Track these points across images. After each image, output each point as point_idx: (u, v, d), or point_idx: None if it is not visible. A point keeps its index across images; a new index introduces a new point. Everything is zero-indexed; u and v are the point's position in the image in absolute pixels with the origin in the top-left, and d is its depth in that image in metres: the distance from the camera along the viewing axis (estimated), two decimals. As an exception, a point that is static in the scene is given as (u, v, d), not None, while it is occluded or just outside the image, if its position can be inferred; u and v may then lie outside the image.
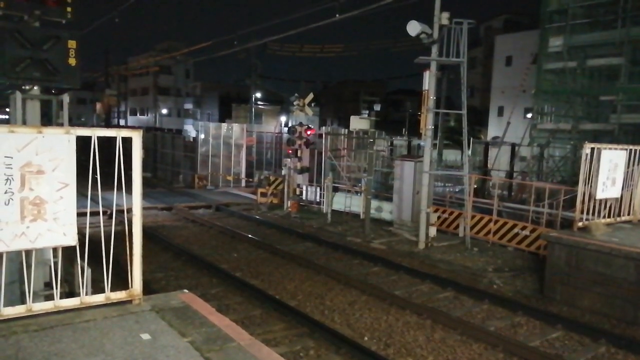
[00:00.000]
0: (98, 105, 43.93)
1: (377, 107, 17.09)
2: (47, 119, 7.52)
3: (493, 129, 37.51)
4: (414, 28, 12.11)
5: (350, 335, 7.46)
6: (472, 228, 13.43)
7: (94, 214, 4.88)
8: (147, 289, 7.77)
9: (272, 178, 19.86)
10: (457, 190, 19.20)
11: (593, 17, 17.83)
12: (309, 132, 17.98)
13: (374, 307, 8.75)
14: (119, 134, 5.10)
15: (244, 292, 9.29)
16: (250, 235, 13.61)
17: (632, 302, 8.31)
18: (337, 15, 15.57)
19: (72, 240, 4.58)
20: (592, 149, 9.69)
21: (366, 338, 7.52)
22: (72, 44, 5.86)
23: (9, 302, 4.50)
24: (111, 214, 12.68)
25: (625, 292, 8.37)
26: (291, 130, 18.17)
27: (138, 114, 67.59)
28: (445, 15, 12.12)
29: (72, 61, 5.82)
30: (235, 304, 8.76)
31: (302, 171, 18.30)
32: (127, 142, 4.73)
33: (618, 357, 7.16)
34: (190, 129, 49.41)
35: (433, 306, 8.77)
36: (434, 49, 12.46)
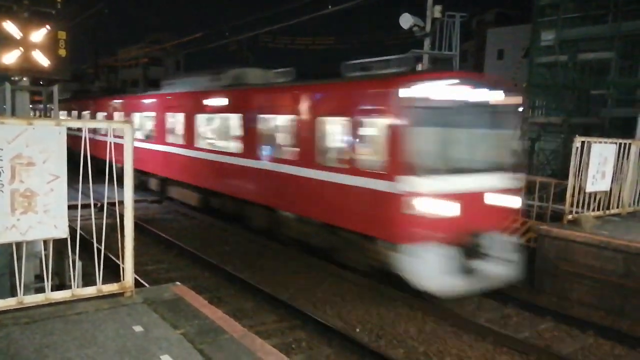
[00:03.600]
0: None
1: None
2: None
3: (484, 123, 37.54)
4: (406, 21, 12.11)
5: (342, 327, 7.50)
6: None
7: (85, 206, 4.84)
8: (139, 281, 7.76)
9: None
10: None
11: (584, 12, 17.88)
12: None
13: (366, 299, 8.79)
14: (110, 125, 5.07)
15: (236, 285, 9.30)
16: (241, 229, 13.58)
17: (620, 294, 8.42)
18: (330, 7, 15.50)
19: (63, 232, 4.56)
20: (583, 142, 9.76)
21: (358, 330, 7.56)
22: (61, 34, 5.80)
23: (-1, 295, 4.48)
24: (102, 206, 12.60)
25: (614, 284, 8.47)
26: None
27: (128, 106, 66.76)
28: (438, 8, 12.13)
29: (62, 52, 5.76)
30: (228, 297, 8.77)
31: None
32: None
33: (605, 348, 7.26)
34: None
35: (424, 298, 8.81)
36: (427, 42, 12.47)
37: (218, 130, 13.74)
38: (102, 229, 4.82)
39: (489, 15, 42.39)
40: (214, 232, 13.61)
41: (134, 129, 4.73)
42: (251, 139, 11.76)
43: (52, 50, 5.67)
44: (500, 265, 8.47)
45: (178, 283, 5.81)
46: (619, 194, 10.93)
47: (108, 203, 12.29)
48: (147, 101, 18.07)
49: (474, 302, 8.87)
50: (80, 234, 4.74)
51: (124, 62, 50.17)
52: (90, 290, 4.86)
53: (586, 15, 17.77)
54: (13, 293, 4.80)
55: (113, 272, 5.38)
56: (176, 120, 15.43)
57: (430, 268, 7.89)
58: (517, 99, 9.04)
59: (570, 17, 18.19)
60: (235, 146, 12.45)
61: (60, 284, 6.56)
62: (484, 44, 39.35)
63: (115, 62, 44.98)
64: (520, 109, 9.61)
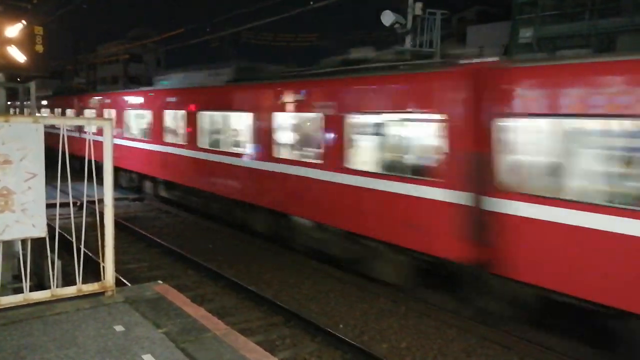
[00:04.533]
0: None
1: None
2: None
3: (465, 119, 37.87)
4: (388, 18, 12.14)
5: (326, 323, 7.51)
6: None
7: (64, 205, 4.77)
8: (120, 280, 7.68)
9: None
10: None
11: (562, 9, 18.18)
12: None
13: (349, 295, 8.80)
14: (89, 122, 4.99)
15: (220, 283, 9.25)
16: (225, 226, 13.51)
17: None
18: (312, 3, 15.46)
19: (41, 231, 4.49)
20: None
21: (341, 326, 7.58)
22: (38, 30, 5.68)
23: (-24, 296, 4.39)
24: (81, 205, 12.42)
25: None
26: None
27: (108, 103, 65.63)
28: (419, 5, 12.19)
29: (39, 48, 5.65)
30: (211, 294, 8.72)
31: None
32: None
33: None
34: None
35: (407, 294, 8.86)
36: (408, 39, 12.52)
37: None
38: (81, 227, 4.76)
39: (470, 12, 42.77)
40: (196, 229, 13.52)
41: (113, 127, 4.66)
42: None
43: (28, 46, 5.56)
44: None
45: (160, 281, 5.77)
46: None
47: (88, 201, 12.12)
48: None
49: (457, 298, 8.94)
50: (60, 233, 4.68)
51: (104, 59, 49.42)
52: (70, 290, 4.79)
53: (564, 13, 18.07)
54: (-10, 294, 4.71)
55: (94, 272, 5.32)
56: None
57: None
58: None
59: (548, 14, 18.50)
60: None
61: (39, 284, 6.45)
62: (465, 41, 39.67)
63: (95, 59, 44.24)
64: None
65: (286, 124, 10.55)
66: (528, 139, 6.63)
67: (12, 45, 5.56)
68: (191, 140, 13.33)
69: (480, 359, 6.74)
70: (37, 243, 4.68)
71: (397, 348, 6.96)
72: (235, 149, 12.07)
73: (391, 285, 8.75)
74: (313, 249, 10.17)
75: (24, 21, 5.57)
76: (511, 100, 6.57)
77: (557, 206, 6.10)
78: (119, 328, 4.33)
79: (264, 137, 10.89)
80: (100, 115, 19.33)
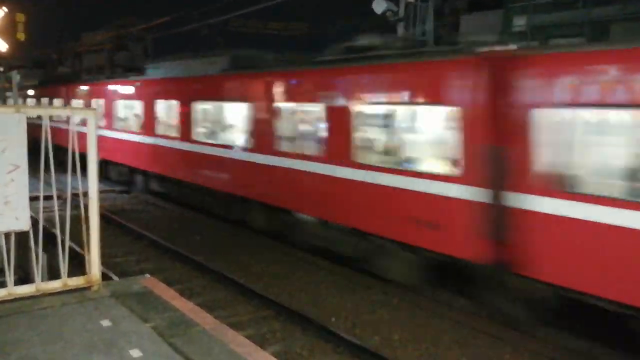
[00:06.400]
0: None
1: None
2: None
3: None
4: (380, 5, 12.05)
5: (317, 316, 7.46)
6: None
7: (49, 197, 4.66)
8: (107, 274, 7.58)
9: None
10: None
11: (555, -2, 18.12)
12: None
13: (340, 287, 8.76)
14: (72, 113, 4.88)
15: (208, 276, 9.16)
16: (213, 218, 13.39)
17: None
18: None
19: (24, 225, 4.40)
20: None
21: (333, 319, 7.53)
22: (20, 17, 5.53)
23: (-43, 291, 4.30)
24: (66, 198, 12.24)
25: None
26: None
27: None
28: (411, -7, 12.09)
29: (21, 36, 5.50)
30: (200, 288, 8.65)
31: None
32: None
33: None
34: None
35: (399, 285, 8.84)
36: (400, 27, 12.42)
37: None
38: (66, 220, 4.66)
39: (462, 1, 42.63)
40: (184, 222, 13.39)
41: (97, 117, 4.55)
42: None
43: (9, 34, 5.41)
44: None
45: (147, 275, 5.68)
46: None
47: (74, 194, 11.94)
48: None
49: (450, 290, 8.93)
50: (44, 226, 4.58)
51: (90, 47, 48.64)
52: (55, 284, 4.71)
53: (557, 1, 18.05)
54: (-27, 289, 4.60)
55: (82, 266, 5.23)
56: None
57: None
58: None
59: (542, 2, 18.48)
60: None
61: (25, 278, 6.35)
62: (458, 29, 39.50)
63: (80, 48, 43.43)
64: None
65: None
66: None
67: (-7, 33, 5.41)
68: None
69: (471, 349, 6.74)
70: (23, 236, 4.58)
71: (390, 340, 6.93)
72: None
73: (383, 278, 8.73)
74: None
75: (4, 8, 5.41)
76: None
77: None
78: (105, 323, 4.25)
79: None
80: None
